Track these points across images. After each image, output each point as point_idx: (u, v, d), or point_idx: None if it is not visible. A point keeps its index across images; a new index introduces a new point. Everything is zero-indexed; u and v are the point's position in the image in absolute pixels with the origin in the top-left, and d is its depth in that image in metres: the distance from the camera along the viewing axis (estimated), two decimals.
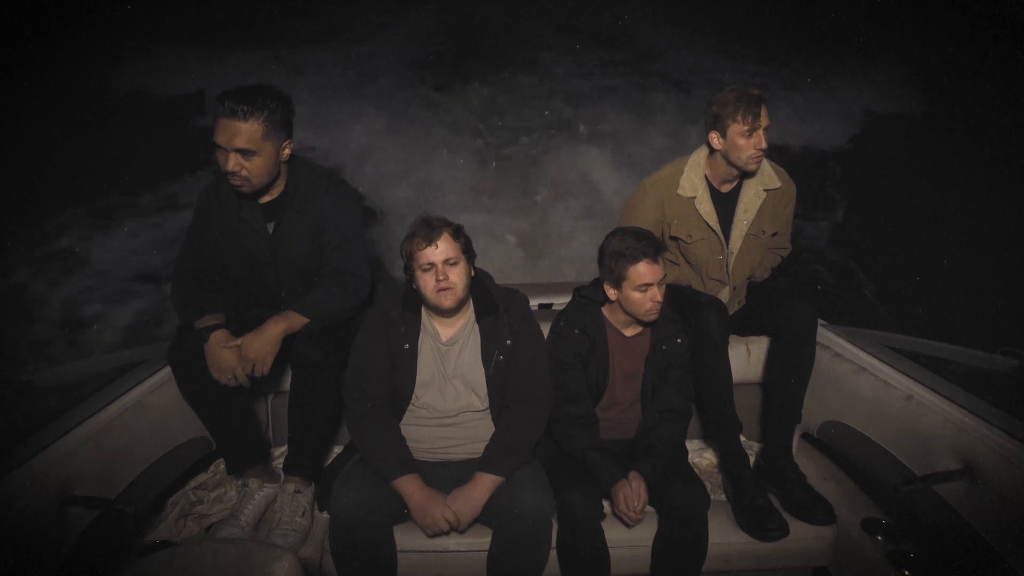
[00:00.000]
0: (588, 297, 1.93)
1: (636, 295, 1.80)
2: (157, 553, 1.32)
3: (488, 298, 1.86)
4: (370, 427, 1.77)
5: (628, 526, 1.79)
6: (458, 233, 1.77)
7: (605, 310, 1.93)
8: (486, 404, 1.81)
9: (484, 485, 1.72)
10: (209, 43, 7.57)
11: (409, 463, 1.75)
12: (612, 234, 1.87)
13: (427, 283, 1.74)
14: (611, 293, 1.86)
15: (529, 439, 1.79)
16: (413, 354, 1.81)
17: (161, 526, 1.88)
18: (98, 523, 1.63)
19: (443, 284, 1.73)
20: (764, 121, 1.92)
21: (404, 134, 6.55)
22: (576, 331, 1.90)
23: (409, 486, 1.71)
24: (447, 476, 1.79)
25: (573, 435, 1.85)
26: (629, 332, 1.92)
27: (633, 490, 1.75)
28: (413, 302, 1.84)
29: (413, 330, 1.82)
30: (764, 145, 1.93)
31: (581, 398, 1.88)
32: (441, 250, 1.72)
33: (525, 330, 1.85)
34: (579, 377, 1.89)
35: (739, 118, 1.91)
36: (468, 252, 1.79)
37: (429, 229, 1.74)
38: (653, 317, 1.84)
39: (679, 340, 1.91)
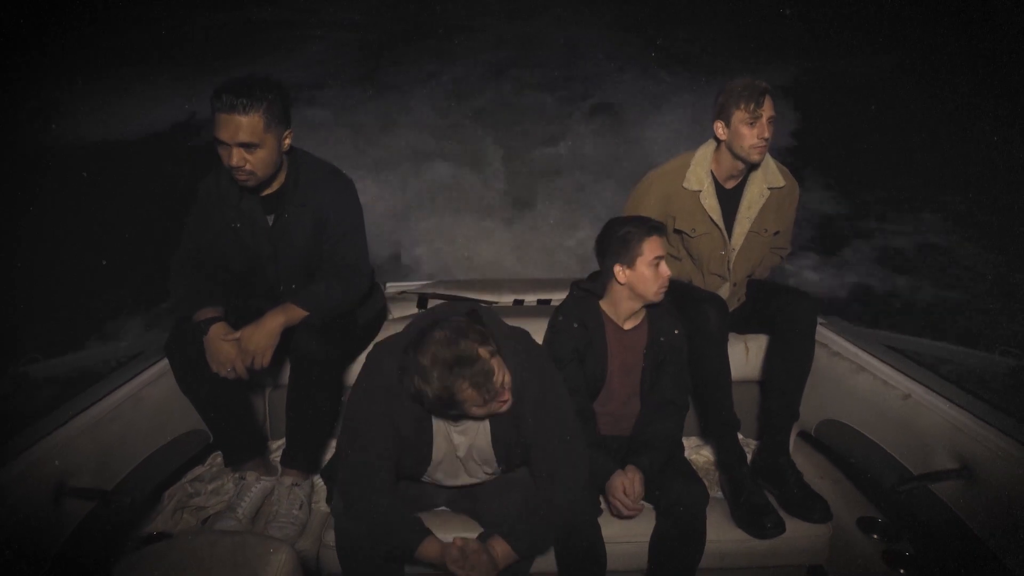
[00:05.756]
0: (586, 290, 1.93)
1: (648, 271, 1.81)
2: (153, 544, 1.32)
3: None
4: (380, 512, 1.53)
5: (623, 517, 1.78)
6: (496, 345, 1.44)
7: (603, 304, 1.93)
8: (498, 471, 1.67)
9: (501, 555, 1.52)
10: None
11: (421, 530, 1.56)
12: (614, 221, 1.89)
13: (484, 409, 1.45)
14: (622, 275, 1.83)
15: (562, 519, 1.58)
16: (428, 443, 1.57)
17: (158, 518, 1.88)
18: (94, 514, 1.63)
19: (506, 402, 1.47)
20: (768, 111, 1.92)
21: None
22: (575, 325, 1.90)
23: (432, 550, 1.53)
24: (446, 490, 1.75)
25: None
26: (627, 325, 1.92)
27: (628, 480, 1.75)
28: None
29: (425, 419, 1.56)
30: (767, 134, 1.93)
31: (578, 393, 1.87)
32: (502, 379, 1.43)
33: (546, 400, 1.59)
34: (576, 372, 1.88)
35: (743, 106, 1.92)
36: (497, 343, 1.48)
37: (483, 376, 1.38)
38: (662, 296, 1.85)
39: (676, 332, 1.91)
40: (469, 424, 1.57)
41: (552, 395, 1.60)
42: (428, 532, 1.55)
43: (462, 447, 1.60)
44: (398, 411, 1.52)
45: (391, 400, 1.51)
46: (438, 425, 1.58)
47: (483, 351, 1.38)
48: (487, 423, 1.58)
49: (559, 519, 1.57)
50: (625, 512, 1.76)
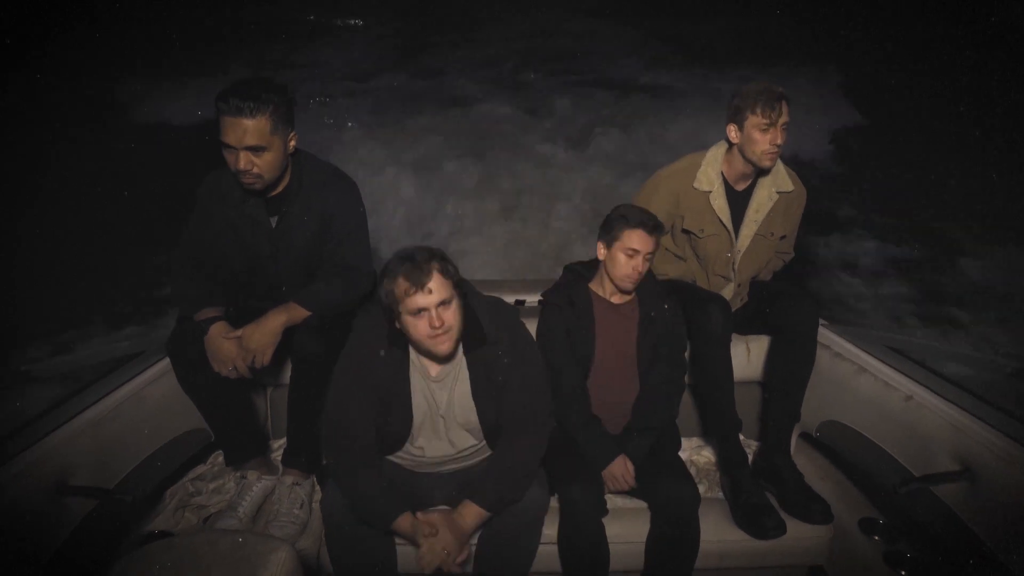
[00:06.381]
0: (577, 271, 1.99)
1: (621, 257, 1.85)
2: (154, 542, 1.31)
3: (476, 328, 1.67)
4: (360, 480, 1.61)
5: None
6: (446, 266, 1.55)
7: (594, 285, 1.96)
8: (482, 439, 1.73)
9: (470, 517, 1.61)
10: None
11: (400, 505, 1.63)
12: (621, 205, 1.94)
13: (419, 329, 1.55)
14: (601, 252, 1.90)
15: (527, 471, 1.67)
16: (406, 394, 1.66)
17: (159, 517, 1.88)
18: (95, 513, 1.63)
19: (439, 330, 1.54)
20: (783, 118, 1.91)
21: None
22: (563, 302, 1.93)
23: (406, 524, 1.60)
24: (441, 484, 1.77)
25: (563, 410, 1.87)
26: (617, 299, 1.95)
27: (624, 467, 1.83)
28: (399, 338, 1.64)
29: (402, 369, 1.66)
30: (780, 141, 1.92)
31: (569, 369, 1.89)
32: (434, 293, 1.51)
33: (518, 354, 1.70)
34: (566, 350, 1.90)
35: (758, 111, 1.91)
36: (459, 284, 1.60)
37: (416, 271, 1.50)
38: (628, 285, 1.88)
39: (666, 306, 1.94)
40: (447, 374, 1.67)
41: (523, 348, 1.71)
42: (405, 508, 1.61)
43: (443, 403, 1.67)
44: (376, 366, 1.64)
45: (369, 356, 1.64)
46: (417, 381, 1.67)
47: (433, 264, 1.52)
48: (466, 376, 1.66)
49: (524, 469, 1.65)
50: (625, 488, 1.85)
